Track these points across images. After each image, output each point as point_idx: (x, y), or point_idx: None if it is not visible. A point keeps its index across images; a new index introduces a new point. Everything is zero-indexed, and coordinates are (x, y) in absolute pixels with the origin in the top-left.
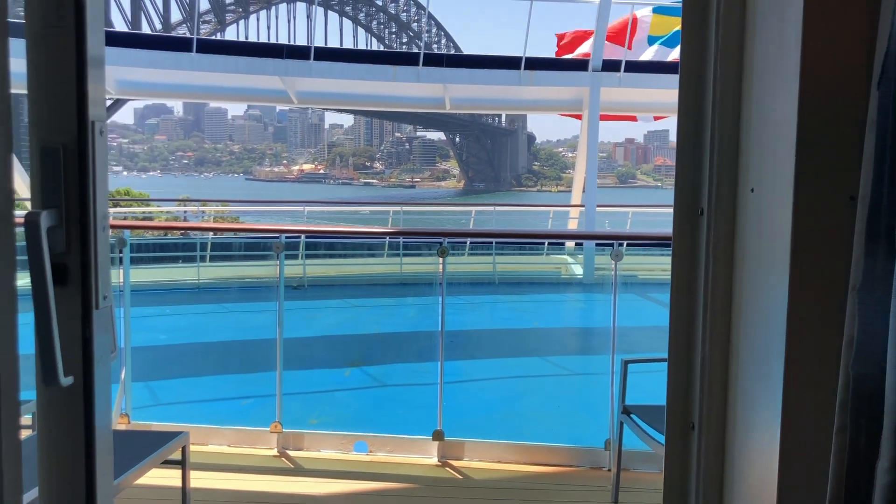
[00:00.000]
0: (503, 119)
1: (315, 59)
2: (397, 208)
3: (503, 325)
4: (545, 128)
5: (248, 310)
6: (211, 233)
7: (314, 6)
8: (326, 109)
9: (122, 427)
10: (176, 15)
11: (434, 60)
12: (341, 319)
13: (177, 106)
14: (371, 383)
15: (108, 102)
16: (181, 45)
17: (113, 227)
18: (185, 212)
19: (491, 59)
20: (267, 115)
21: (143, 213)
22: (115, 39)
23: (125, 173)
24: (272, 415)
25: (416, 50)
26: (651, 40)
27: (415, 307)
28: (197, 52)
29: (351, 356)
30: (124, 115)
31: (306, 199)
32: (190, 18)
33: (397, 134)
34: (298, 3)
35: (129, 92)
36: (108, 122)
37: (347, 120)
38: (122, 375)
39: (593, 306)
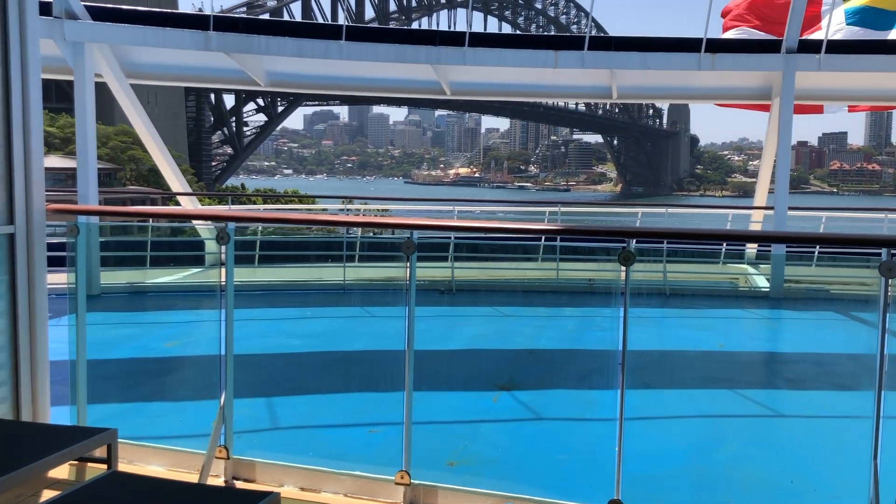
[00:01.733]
0: (664, 121)
1: (469, 45)
2: (553, 209)
3: (679, 345)
4: (709, 130)
5: (388, 315)
6: (347, 229)
7: (469, 9)
8: (479, 101)
9: (220, 459)
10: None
11: (601, 44)
12: (489, 330)
13: (343, 112)
14: (524, 414)
15: (281, 108)
16: (330, 32)
17: (210, 217)
18: (348, 210)
19: (665, 41)
20: (426, 120)
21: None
22: (261, 27)
23: (294, 176)
24: (397, 454)
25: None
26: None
27: (575, 319)
28: (346, 39)
29: (499, 378)
30: (294, 121)
31: (458, 199)
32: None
33: (553, 137)
34: (459, 9)
35: (278, 84)
36: (280, 127)
37: (503, 124)
38: (222, 400)
39: (786, 326)
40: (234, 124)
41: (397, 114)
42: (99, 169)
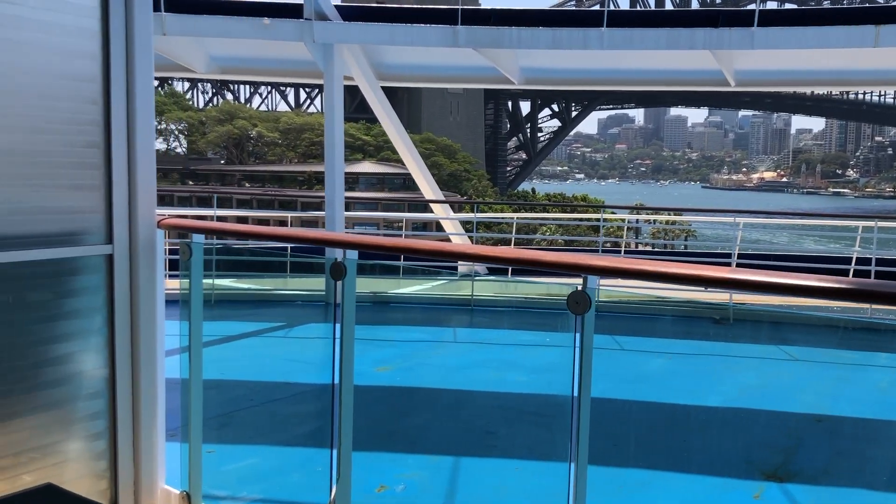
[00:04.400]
0: None
1: (759, 24)
2: (868, 223)
3: None
4: None
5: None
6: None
7: None
8: (789, 100)
9: None
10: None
11: None
12: (764, 380)
13: (638, 115)
14: None
15: (574, 112)
16: (589, 20)
17: (321, 241)
18: (637, 220)
19: None
20: (728, 121)
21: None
22: (513, 18)
23: (586, 180)
24: None
25: None
26: None
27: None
28: (607, 26)
29: (766, 459)
30: (588, 125)
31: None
32: None
33: (878, 138)
34: None
35: (532, 81)
36: (573, 132)
37: (817, 124)
38: (334, 469)
39: None
40: (528, 130)
41: (696, 115)
42: (401, 174)
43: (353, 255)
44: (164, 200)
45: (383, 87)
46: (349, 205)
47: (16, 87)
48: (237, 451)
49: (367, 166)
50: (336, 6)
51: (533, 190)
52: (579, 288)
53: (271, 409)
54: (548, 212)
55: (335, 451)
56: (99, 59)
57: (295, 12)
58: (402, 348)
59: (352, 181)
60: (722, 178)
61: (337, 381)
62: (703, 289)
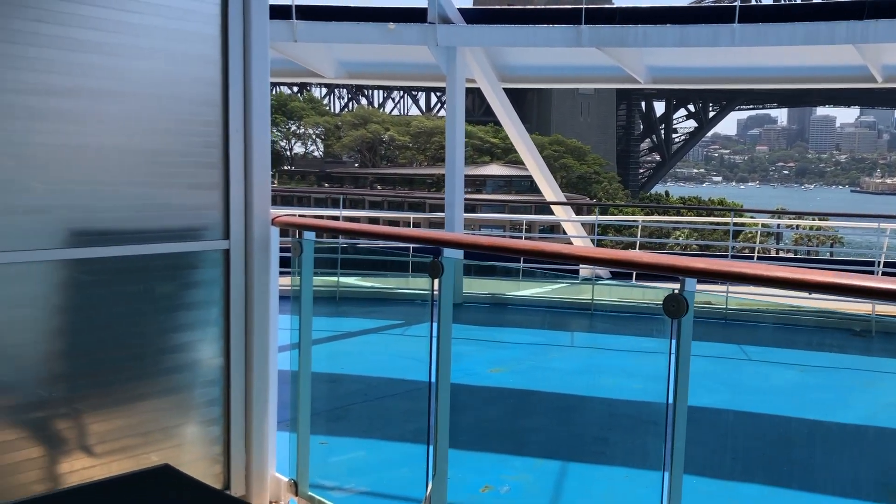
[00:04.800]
0: None
1: None
2: None
3: None
4: None
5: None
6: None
7: None
8: None
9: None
10: None
11: None
12: None
13: (781, 115)
14: None
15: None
16: (719, 16)
17: (425, 240)
18: (779, 225)
19: None
20: (882, 121)
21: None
22: (639, 17)
23: (724, 183)
24: None
25: None
26: None
27: None
28: (739, 22)
29: None
30: (727, 126)
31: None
32: None
33: None
34: None
35: (660, 80)
36: (711, 133)
37: None
38: (430, 467)
39: None
40: (662, 131)
41: (845, 115)
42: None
43: (457, 254)
44: (301, 201)
45: (507, 89)
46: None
47: (142, 90)
48: (347, 443)
49: (494, 169)
50: (460, 9)
51: (666, 193)
52: (676, 290)
53: (385, 405)
54: (681, 215)
55: (431, 448)
56: (219, 63)
57: (419, 17)
58: (518, 350)
59: (479, 183)
60: (874, 182)
61: (434, 378)
62: (839, 298)
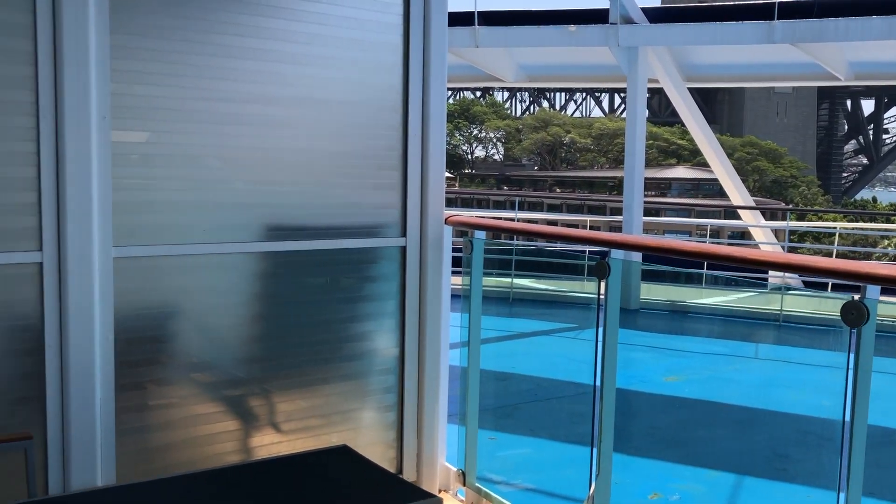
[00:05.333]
0: None
1: None
2: None
3: None
4: None
5: None
6: None
7: None
8: None
9: None
10: None
11: None
12: None
13: None
14: None
15: None
16: None
17: (593, 241)
18: None
19: None
20: None
21: None
22: (839, 9)
23: None
24: None
25: None
26: None
27: None
28: None
29: None
30: None
31: None
32: None
33: None
34: None
35: (864, 76)
36: None
37: None
38: (593, 468)
39: None
40: (870, 132)
41: None
42: (713, 180)
43: (632, 258)
44: (480, 204)
45: (693, 89)
46: (658, 211)
47: (333, 97)
48: (514, 440)
49: (680, 171)
50: (642, 8)
51: (874, 199)
52: (855, 297)
53: (553, 406)
54: (891, 223)
55: (595, 451)
56: (400, 70)
57: (600, 18)
58: (697, 360)
59: (663, 187)
60: None
61: (598, 382)
62: None
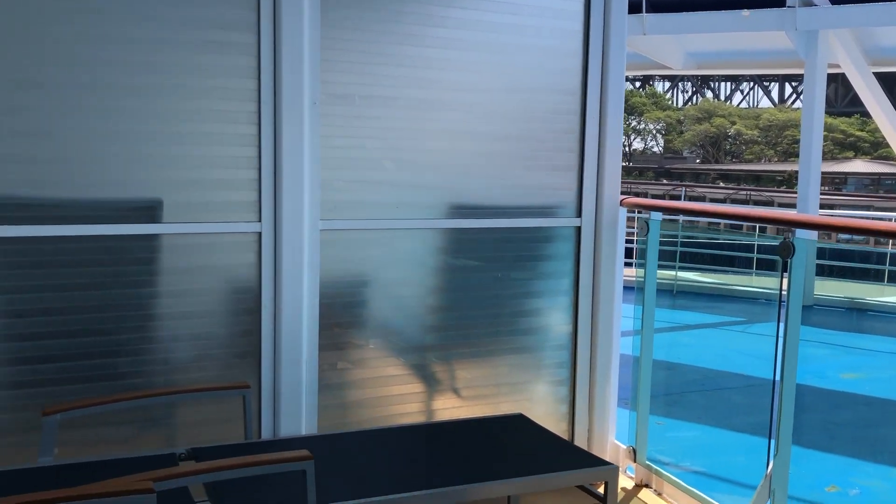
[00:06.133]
0: None
1: None
2: None
3: None
4: None
5: None
6: None
7: None
8: None
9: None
10: None
11: None
12: None
13: None
14: None
15: None
16: None
17: (772, 221)
18: None
19: None
20: None
21: None
22: None
23: None
24: None
25: None
26: None
27: None
28: None
29: None
30: None
31: None
32: None
33: None
34: None
35: None
36: None
37: None
38: (771, 457)
39: None
40: None
41: None
42: None
43: (807, 236)
44: (638, 196)
45: (878, 74)
46: (832, 206)
47: (517, 83)
48: (682, 426)
49: (858, 165)
50: None
51: None
52: None
53: (721, 396)
54: None
55: (773, 441)
56: (579, 55)
57: (774, 1)
58: (878, 358)
59: (838, 182)
60: None
61: (779, 375)
62: None
